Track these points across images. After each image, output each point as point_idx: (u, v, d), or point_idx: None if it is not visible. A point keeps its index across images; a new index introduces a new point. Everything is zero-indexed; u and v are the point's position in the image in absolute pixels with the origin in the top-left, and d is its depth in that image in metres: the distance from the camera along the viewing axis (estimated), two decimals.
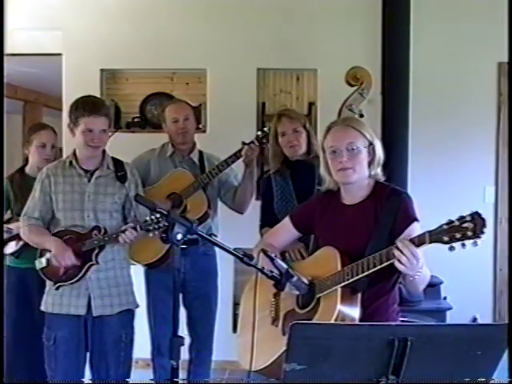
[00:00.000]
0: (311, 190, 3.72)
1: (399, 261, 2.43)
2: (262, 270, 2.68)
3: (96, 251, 3.61)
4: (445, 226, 2.34)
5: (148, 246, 3.93)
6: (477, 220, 2.26)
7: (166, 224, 2.67)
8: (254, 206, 4.29)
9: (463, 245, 2.29)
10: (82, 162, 3.72)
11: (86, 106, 3.61)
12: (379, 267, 2.53)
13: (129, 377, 3.80)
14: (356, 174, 2.79)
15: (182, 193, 4.16)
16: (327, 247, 2.83)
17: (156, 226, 3.41)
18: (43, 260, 3.68)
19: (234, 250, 2.69)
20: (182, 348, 2.61)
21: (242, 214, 4.40)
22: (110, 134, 3.76)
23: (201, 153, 4.43)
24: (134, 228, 3.51)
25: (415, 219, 2.74)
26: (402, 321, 3.05)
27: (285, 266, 2.69)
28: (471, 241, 2.26)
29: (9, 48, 5.12)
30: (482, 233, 2.25)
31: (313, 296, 2.75)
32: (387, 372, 2.15)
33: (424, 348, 2.12)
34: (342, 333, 2.19)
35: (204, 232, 2.87)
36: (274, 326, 2.90)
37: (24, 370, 4.25)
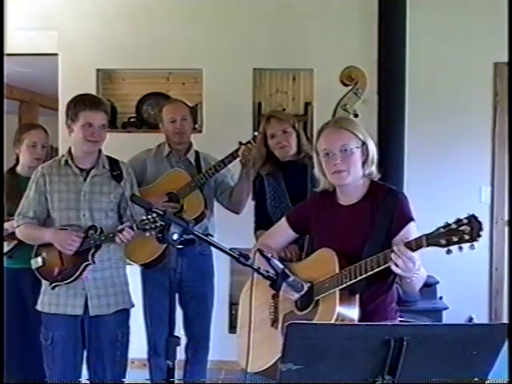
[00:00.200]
0: (304, 190, 3.73)
1: (396, 264, 2.44)
2: (257, 270, 2.68)
3: (92, 251, 3.59)
4: (442, 230, 2.34)
5: (144, 245, 3.92)
6: (474, 223, 2.27)
7: (163, 223, 2.66)
8: (251, 206, 4.29)
9: (460, 248, 2.29)
10: (77, 161, 3.71)
11: (86, 100, 3.62)
12: (377, 270, 2.54)
13: (124, 376, 3.80)
14: (351, 176, 2.79)
15: (179, 192, 4.16)
16: (325, 249, 2.83)
17: (153, 226, 3.39)
18: (39, 259, 3.68)
19: (230, 250, 2.69)
20: (178, 348, 2.60)
21: (238, 213, 4.40)
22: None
23: (197, 153, 4.43)
24: (131, 227, 3.50)
25: (411, 219, 2.75)
26: (400, 320, 3.05)
27: (281, 266, 2.70)
28: (468, 244, 2.27)
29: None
30: (479, 236, 2.26)
31: (311, 298, 2.76)
32: (383, 372, 2.15)
33: (420, 348, 2.12)
34: (338, 333, 2.19)
35: (200, 232, 2.87)
36: (274, 327, 2.91)
37: (19, 370, 4.23)
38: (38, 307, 3.70)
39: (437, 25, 5.34)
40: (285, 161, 4.02)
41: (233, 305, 5.38)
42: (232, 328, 5.22)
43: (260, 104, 5.57)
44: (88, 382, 3.78)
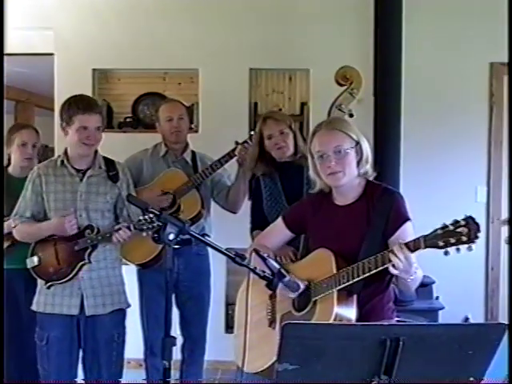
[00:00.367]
0: (300, 191, 3.72)
1: (394, 265, 2.45)
2: (253, 270, 2.68)
3: (89, 250, 3.60)
4: (439, 231, 2.34)
5: (141, 245, 3.92)
6: (471, 225, 2.27)
7: (160, 224, 2.66)
8: (247, 206, 4.28)
9: (458, 249, 2.30)
10: (73, 162, 3.70)
11: (79, 103, 3.60)
12: (374, 271, 2.54)
13: (121, 377, 3.79)
14: (346, 177, 2.79)
15: (176, 192, 4.17)
16: (322, 249, 2.83)
17: (150, 226, 3.40)
18: (35, 259, 3.67)
19: (226, 249, 2.69)
20: (174, 348, 2.61)
21: (235, 213, 4.40)
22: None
23: (193, 153, 4.43)
24: (128, 227, 3.51)
25: (407, 219, 2.75)
26: (397, 320, 3.04)
27: (277, 266, 2.69)
28: (466, 245, 2.28)
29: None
30: (477, 238, 2.26)
31: (309, 299, 2.76)
32: (379, 372, 2.15)
33: (416, 348, 2.12)
34: (334, 333, 2.19)
35: (197, 232, 2.87)
36: (272, 328, 2.91)
37: (12, 371, 4.22)
38: (34, 307, 3.69)
39: (433, 25, 5.34)
40: (281, 161, 4.02)
41: (229, 305, 5.38)
42: (228, 328, 5.21)
43: (256, 104, 5.56)
44: (83, 382, 3.78)
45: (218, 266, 4.68)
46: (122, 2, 5.50)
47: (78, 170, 3.70)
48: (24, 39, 5.44)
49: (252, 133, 4.13)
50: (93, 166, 3.72)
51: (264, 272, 2.68)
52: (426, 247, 2.39)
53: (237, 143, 4.10)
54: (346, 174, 2.78)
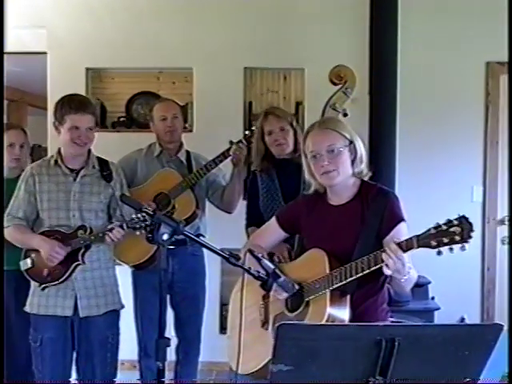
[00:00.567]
0: (297, 189, 3.70)
1: (387, 265, 2.43)
2: (248, 271, 2.67)
3: (82, 251, 3.58)
4: (432, 231, 2.34)
5: (135, 246, 3.91)
6: (464, 224, 2.27)
7: (153, 222, 2.64)
8: (242, 206, 4.27)
9: (451, 249, 2.29)
10: (67, 161, 3.69)
11: (72, 103, 3.58)
12: (367, 271, 2.53)
13: (115, 377, 3.79)
14: (340, 176, 2.79)
15: (170, 192, 4.15)
16: (315, 249, 2.82)
17: (143, 224, 3.38)
18: (28, 261, 3.65)
19: (221, 250, 2.68)
20: (169, 349, 2.59)
21: (230, 213, 4.39)
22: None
23: (188, 152, 4.42)
24: (121, 226, 3.49)
25: (402, 219, 2.74)
26: (391, 321, 3.04)
27: (272, 266, 2.68)
28: (459, 245, 2.27)
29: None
30: (470, 237, 2.25)
31: (302, 299, 2.75)
32: (374, 372, 2.14)
33: (411, 348, 2.11)
34: (329, 333, 2.17)
35: (192, 232, 2.85)
36: (264, 328, 2.90)
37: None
38: (27, 309, 3.68)
39: (428, 24, 5.33)
40: (280, 158, 4.01)
41: (224, 305, 5.35)
42: (223, 329, 5.19)
43: (251, 103, 5.54)
44: (77, 382, 3.77)
45: (212, 266, 4.67)
46: (116, 1, 5.47)
47: (71, 170, 3.69)
48: (17, 38, 5.41)
49: (247, 132, 4.12)
50: (86, 166, 3.71)
51: (259, 272, 2.66)
52: (418, 247, 2.38)
53: (231, 143, 4.08)
54: (340, 172, 2.78)
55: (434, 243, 2.31)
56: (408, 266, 2.47)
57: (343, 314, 2.65)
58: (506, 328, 2.22)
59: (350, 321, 2.63)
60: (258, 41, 5.38)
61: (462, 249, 2.26)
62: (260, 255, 2.69)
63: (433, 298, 4.98)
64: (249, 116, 5.49)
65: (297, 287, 2.74)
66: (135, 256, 4.13)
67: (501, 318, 5.08)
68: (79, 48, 5.46)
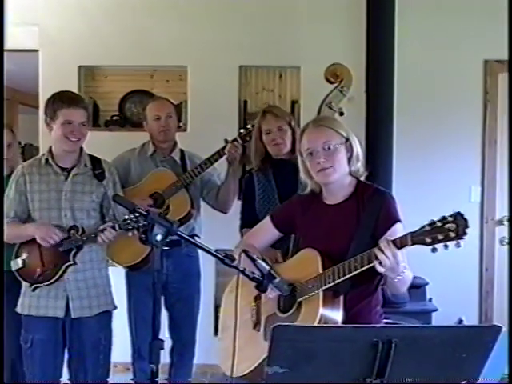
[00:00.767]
0: (294, 190, 3.64)
1: (380, 263, 2.42)
2: (243, 272, 2.66)
3: (74, 251, 3.56)
4: (427, 227, 2.33)
5: (129, 247, 3.90)
6: (459, 220, 2.25)
7: (146, 222, 2.61)
8: (237, 206, 4.25)
9: (446, 246, 2.27)
10: (58, 160, 3.67)
11: (64, 98, 3.58)
12: (361, 270, 2.52)
13: (107, 379, 3.77)
14: (336, 173, 2.78)
15: (164, 192, 4.14)
16: (308, 249, 2.81)
17: (135, 225, 3.37)
18: (19, 261, 3.63)
19: (216, 251, 2.66)
20: (162, 351, 2.57)
21: (225, 213, 4.38)
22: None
23: (182, 152, 4.40)
24: (113, 227, 3.48)
25: (398, 220, 2.73)
26: (386, 323, 3.03)
27: (267, 267, 2.68)
28: (454, 242, 2.25)
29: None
30: (465, 234, 2.24)
31: (294, 300, 2.74)
32: (371, 375, 2.13)
33: (408, 350, 2.10)
34: (325, 335, 2.16)
35: (187, 233, 2.83)
36: (256, 330, 2.89)
37: None
38: (18, 309, 3.66)
39: (425, 21, 5.31)
40: (277, 158, 3.98)
41: (218, 307, 5.30)
42: (217, 331, 5.13)
43: (246, 102, 5.52)
44: (69, 382, 3.77)
45: (207, 267, 4.66)
46: None
47: (62, 169, 3.68)
48: (8, 35, 5.35)
49: (242, 131, 4.10)
50: (78, 164, 3.69)
51: (254, 273, 2.66)
52: (413, 244, 2.37)
53: (226, 141, 4.06)
54: (336, 169, 2.77)
55: (428, 240, 2.30)
56: (403, 266, 2.46)
57: (336, 315, 2.63)
58: (505, 329, 2.21)
59: (343, 323, 2.62)
60: (253, 38, 5.36)
61: (457, 245, 2.25)
62: (255, 256, 2.68)
63: (430, 300, 4.97)
64: (244, 115, 5.47)
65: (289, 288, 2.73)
66: (129, 257, 4.12)
67: (499, 319, 5.05)
68: (72, 45, 5.42)
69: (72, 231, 3.55)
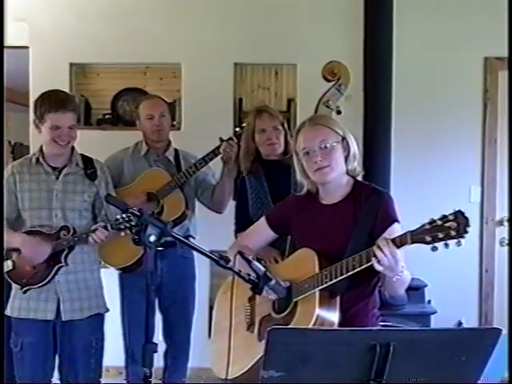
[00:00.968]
0: (287, 192, 3.63)
1: (379, 262, 2.39)
2: (238, 274, 2.63)
3: (65, 252, 3.54)
4: (427, 226, 2.31)
5: (122, 248, 3.83)
6: (460, 219, 2.23)
7: (138, 222, 2.55)
8: (233, 206, 4.20)
9: (446, 245, 2.26)
10: (49, 159, 3.65)
11: (51, 101, 3.53)
12: (359, 269, 2.49)
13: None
14: (334, 172, 2.76)
15: (159, 193, 4.10)
16: (304, 249, 2.80)
17: (128, 225, 3.34)
18: (9, 263, 3.60)
19: (211, 252, 2.62)
20: (156, 355, 2.53)
21: (220, 213, 4.35)
22: None
23: (176, 151, 4.38)
24: (105, 227, 3.46)
25: (396, 220, 2.71)
26: (383, 325, 3.03)
27: (262, 268, 2.65)
28: (454, 240, 2.23)
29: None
30: (466, 232, 2.22)
31: (290, 300, 2.72)
32: (369, 378, 2.11)
33: (407, 353, 2.09)
34: (322, 338, 2.14)
35: (182, 234, 2.79)
36: (250, 331, 2.87)
37: None
38: (8, 312, 3.63)
39: (424, 19, 5.29)
40: (268, 159, 3.94)
41: (213, 309, 5.27)
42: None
43: (241, 100, 5.50)
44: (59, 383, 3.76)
45: (201, 268, 4.62)
46: None
47: (53, 168, 3.66)
48: None
49: (237, 129, 4.07)
50: (69, 164, 3.68)
51: (249, 275, 2.62)
52: (412, 242, 2.35)
53: (221, 140, 4.02)
54: (334, 168, 2.75)
55: (428, 238, 2.28)
56: (401, 265, 2.44)
57: (333, 316, 2.61)
58: (505, 332, 2.18)
59: (340, 324, 2.60)
60: (249, 35, 5.34)
61: (458, 244, 2.22)
62: (250, 257, 2.65)
63: (429, 302, 4.95)
64: (239, 113, 5.45)
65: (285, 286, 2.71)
66: (122, 259, 4.09)
67: (500, 321, 5.05)
68: (63, 42, 5.39)
69: (63, 231, 3.53)
